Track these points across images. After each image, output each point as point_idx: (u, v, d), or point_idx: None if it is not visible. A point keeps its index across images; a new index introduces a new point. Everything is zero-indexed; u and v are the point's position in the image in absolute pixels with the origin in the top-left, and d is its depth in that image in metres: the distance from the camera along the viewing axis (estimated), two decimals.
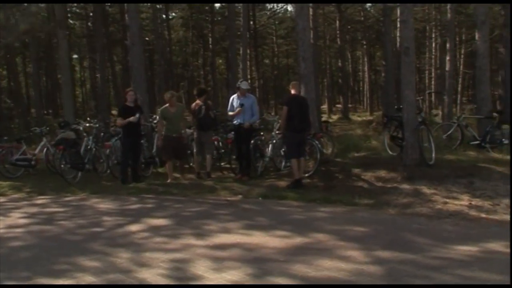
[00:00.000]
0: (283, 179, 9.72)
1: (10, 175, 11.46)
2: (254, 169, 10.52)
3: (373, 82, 46.29)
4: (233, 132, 10.79)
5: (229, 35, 17.53)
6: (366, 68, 44.08)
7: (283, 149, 10.24)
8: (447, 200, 7.68)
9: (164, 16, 37.90)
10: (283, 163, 10.20)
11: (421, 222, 6.61)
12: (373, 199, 8.02)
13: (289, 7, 55.58)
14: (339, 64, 31.94)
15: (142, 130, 11.79)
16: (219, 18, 40.46)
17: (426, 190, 8.35)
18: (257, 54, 35.85)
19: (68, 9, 39.01)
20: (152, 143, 12.02)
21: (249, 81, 10.39)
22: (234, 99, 10.43)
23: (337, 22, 29.64)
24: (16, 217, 7.35)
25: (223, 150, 11.74)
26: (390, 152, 10.62)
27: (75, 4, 39.74)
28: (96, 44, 23.27)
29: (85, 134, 11.39)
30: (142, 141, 11.42)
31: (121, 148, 10.29)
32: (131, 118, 9.90)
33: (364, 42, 40.05)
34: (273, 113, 26.94)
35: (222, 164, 11.55)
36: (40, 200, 8.78)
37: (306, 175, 9.64)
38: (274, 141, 10.59)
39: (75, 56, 53.33)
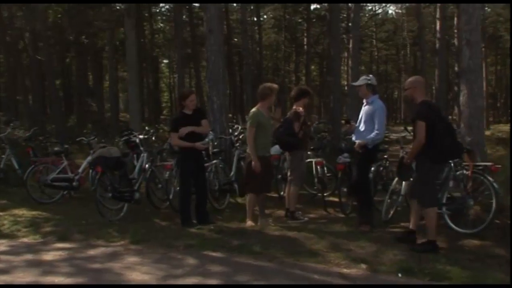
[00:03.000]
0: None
1: (45, 199, 8.75)
2: (377, 211, 6.99)
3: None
4: (346, 154, 7.33)
5: (331, 34, 13.96)
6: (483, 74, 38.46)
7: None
8: None
9: (255, 18, 35.09)
10: None
11: None
12: None
13: (390, 9, 51.29)
14: (456, 69, 27.32)
15: (215, 146, 8.75)
16: (314, 20, 37.02)
17: None
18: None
19: (156, 9, 37.75)
20: (230, 163, 8.86)
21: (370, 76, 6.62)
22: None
23: (455, 19, 25.09)
24: None
25: (327, 175, 8.30)
26: None
27: (164, 6, 38.33)
28: (176, 41, 20.75)
29: (141, 149, 8.33)
30: (216, 161, 8.32)
31: (180, 177, 7.10)
32: (197, 144, 6.80)
33: (483, 45, 34.80)
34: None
35: (326, 194, 8.16)
36: (53, 252, 5.75)
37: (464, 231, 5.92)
38: None
39: (165, 60, 52.54)
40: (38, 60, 20.47)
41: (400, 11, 45.88)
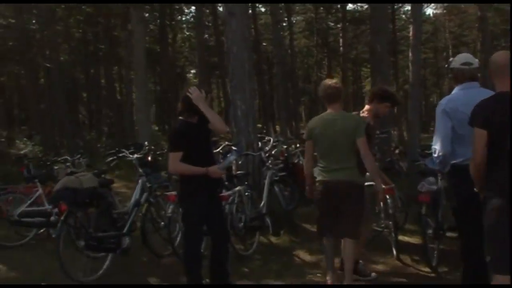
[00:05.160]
0: None
1: (12, 241, 6.56)
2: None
3: None
4: (432, 179, 4.91)
5: (373, 29, 11.27)
6: None
7: None
8: None
9: (284, 23, 32.64)
10: None
11: None
12: None
13: (428, 10, 48.34)
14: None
15: (239, 167, 6.48)
16: (347, 23, 34.53)
17: None
18: (396, 61, 29.24)
19: (183, 18, 36.11)
20: (260, 189, 6.54)
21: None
22: None
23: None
24: None
25: (398, 209, 5.84)
26: None
27: (190, 12, 36.57)
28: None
29: (140, 171, 6.00)
30: (241, 188, 6.01)
31: (184, 221, 4.55)
32: (212, 169, 4.18)
33: None
34: None
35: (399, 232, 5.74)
36: None
37: None
38: None
39: (193, 71, 50.70)
40: (50, 70, 18.80)
41: (439, 11, 42.96)
